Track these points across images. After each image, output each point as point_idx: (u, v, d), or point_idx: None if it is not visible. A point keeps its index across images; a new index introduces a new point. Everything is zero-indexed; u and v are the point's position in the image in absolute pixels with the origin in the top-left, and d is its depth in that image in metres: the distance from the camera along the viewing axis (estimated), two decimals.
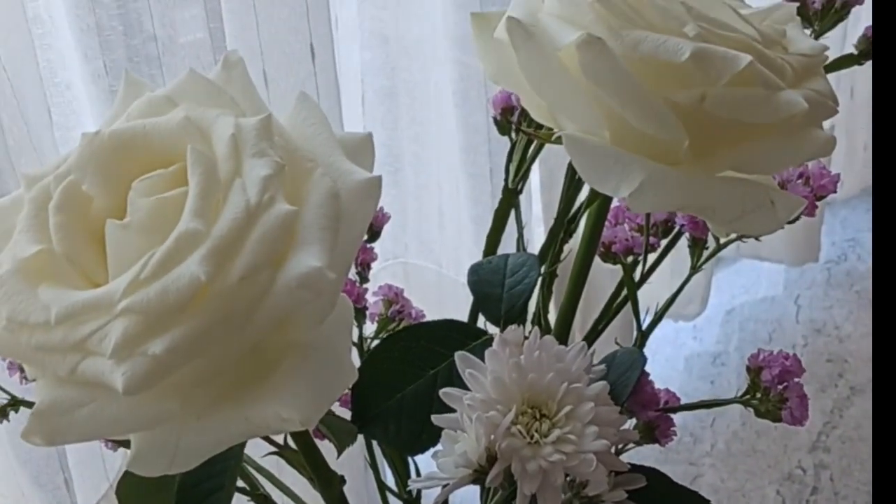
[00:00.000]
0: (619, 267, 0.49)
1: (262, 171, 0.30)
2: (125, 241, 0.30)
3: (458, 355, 0.39)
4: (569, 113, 0.34)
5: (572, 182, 0.50)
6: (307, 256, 0.29)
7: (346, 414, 0.44)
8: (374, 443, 0.53)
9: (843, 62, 0.47)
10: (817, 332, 1.40)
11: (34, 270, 0.31)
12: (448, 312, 0.46)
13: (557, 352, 0.39)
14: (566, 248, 0.52)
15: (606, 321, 0.51)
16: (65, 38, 0.72)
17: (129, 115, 0.33)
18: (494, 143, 0.93)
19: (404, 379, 0.42)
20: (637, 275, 0.48)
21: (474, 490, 0.41)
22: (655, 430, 0.44)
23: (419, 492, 0.51)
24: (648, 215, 0.45)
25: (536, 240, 0.99)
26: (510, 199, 0.51)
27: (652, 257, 0.48)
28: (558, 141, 0.34)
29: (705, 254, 0.47)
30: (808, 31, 0.47)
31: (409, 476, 0.51)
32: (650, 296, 0.50)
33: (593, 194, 0.39)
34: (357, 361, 0.48)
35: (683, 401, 0.46)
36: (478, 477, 0.37)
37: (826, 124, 0.37)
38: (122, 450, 0.56)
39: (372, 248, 0.52)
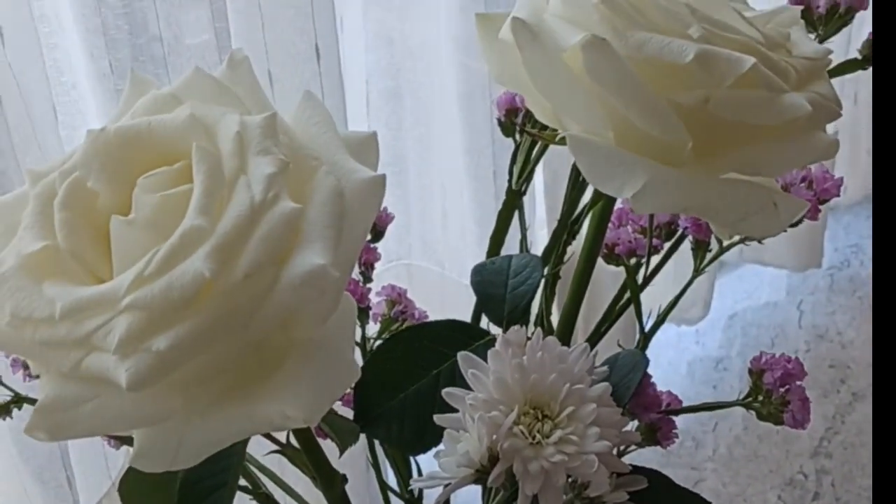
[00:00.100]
0: (622, 269, 0.50)
1: (266, 168, 0.30)
2: (130, 237, 0.30)
3: (461, 355, 0.39)
4: (573, 114, 0.34)
5: (576, 184, 0.51)
6: (311, 254, 0.29)
7: (349, 413, 0.44)
8: (376, 442, 0.53)
9: (847, 67, 0.47)
10: (820, 338, 1.40)
11: (39, 266, 0.31)
12: (451, 314, 0.46)
13: (560, 353, 0.39)
14: (569, 250, 0.52)
15: (609, 323, 0.52)
16: (71, 37, 0.72)
17: (135, 112, 0.33)
18: (498, 146, 0.93)
19: (407, 379, 0.42)
20: (640, 277, 0.48)
21: (476, 490, 0.41)
22: (657, 433, 0.44)
23: (421, 491, 0.51)
24: (652, 217, 0.46)
25: (539, 242, 0.99)
26: (514, 201, 0.51)
27: (655, 260, 0.48)
28: (562, 142, 0.34)
29: (708, 256, 0.47)
30: (812, 36, 0.47)
31: (410, 476, 0.51)
32: (653, 299, 0.50)
33: (597, 195, 0.39)
34: (360, 361, 0.48)
35: (685, 405, 0.46)
36: (479, 477, 0.37)
37: (830, 129, 0.37)
38: (124, 448, 0.57)
39: (375, 248, 0.52)
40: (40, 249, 0.31)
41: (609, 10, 0.33)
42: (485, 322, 0.47)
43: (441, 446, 0.39)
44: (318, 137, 0.33)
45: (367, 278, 0.52)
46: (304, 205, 0.30)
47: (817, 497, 1.15)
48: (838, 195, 0.44)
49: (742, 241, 0.45)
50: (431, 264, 1.05)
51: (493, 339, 0.42)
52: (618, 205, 0.45)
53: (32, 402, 0.51)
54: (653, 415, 0.44)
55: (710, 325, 1.41)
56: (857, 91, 1.48)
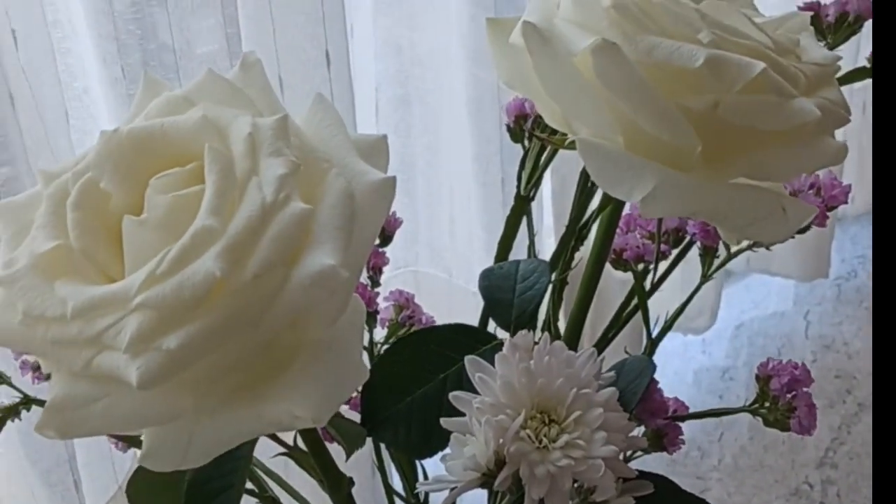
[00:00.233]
0: (629, 277, 0.50)
1: (278, 169, 0.30)
2: (142, 237, 0.31)
3: (468, 359, 0.39)
4: (583, 118, 0.34)
5: (584, 190, 0.51)
6: (321, 255, 0.29)
7: (356, 417, 0.44)
8: (382, 446, 0.53)
9: (856, 75, 0.47)
10: (826, 349, 1.39)
11: (51, 266, 0.31)
12: (458, 321, 0.46)
13: (567, 357, 0.39)
14: (577, 256, 0.52)
15: (616, 329, 0.52)
16: (83, 42, 0.72)
17: (148, 114, 0.34)
18: (507, 153, 0.93)
19: (414, 382, 0.42)
20: (647, 284, 0.48)
21: (482, 494, 0.41)
22: (664, 438, 0.44)
23: (427, 495, 0.51)
24: (660, 223, 0.46)
25: (547, 250, 0.99)
26: (522, 206, 0.52)
27: (662, 267, 0.48)
28: (572, 146, 0.35)
29: (716, 262, 0.47)
30: (821, 44, 0.47)
31: (416, 480, 0.51)
32: (660, 306, 0.50)
33: (606, 199, 0.40)
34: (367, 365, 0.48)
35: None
36: (486, 480, 0.37)
37: (839, 137, 0.37)
38: (131, 452, 0.57)
39: (384, 253, 0.52)
40: (53, 249, 0.31)
41: (619, 14, 0.33)
42: (492, 327, 0.47)
43: (447, 450, 0.39)
44: (329, 140, 0.33)
45: (375, 282, 0.52)
46: (315, 206, 0.30)
47: None
48: (846, 202, 0.44)
49: (750, 247, 0.45)
50: (439, 271, 1.05)
51: (501, 344, 0.42)
52: (626, 210, 0.45)
53: (41, 403, 0.51)
54: (659, 420, 0.44)
55: (716, 334, 1.41)
56: (865, 100, 1.48)
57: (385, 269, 0.55)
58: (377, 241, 0.52)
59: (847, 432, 1.24)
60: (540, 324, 0.49)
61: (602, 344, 0.50)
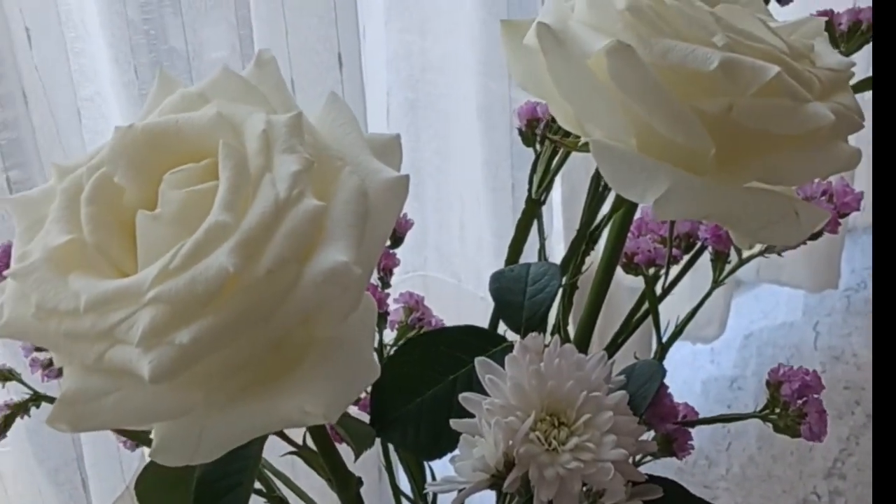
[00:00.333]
0: (638, 286, 0.50)
1: (291, 166, 0.30)
2: (155, 232, 0.31)
3: (478, 361, 0.39)
4: (596, 119, 0.34)
5: (595, 194, 0.51)
6: (334, 251, 0.29)
7: (365, 418, 0.44)
8: (391, 447, 0.53)
9: (869, 84, 0.47)
10: (835, 360, 1.39)
11: (64, 259, 0.31)
12: None
13: (577, 360, 0.39)
14: (587, 260, 0.52)
15: (626, 335, 0.52)
16: (97, 42, 0.73)
17: (162, 110, 0.34)
18: (517, 158, 0.93)
19: (424, 383, 0.42)
20: (658, 289, 0.48)
21: (490, 497, 0.41)
22: (673, 444, 0.44)
23: (435, 496, 0.51)
24: (672, 227, 0.46)
25: (556, 257, 0.99)
26: (533, 210, 0.52)
27: (673, 272, 0.48)
28: (585, 148, 0.35)
29: (727, 268, 0.47)
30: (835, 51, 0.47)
31: (424, 481, 0.51)
32: (668, 314, 0.50)
33: (619, 201, 0.40)
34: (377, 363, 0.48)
35: (699, 426, 0.45)
36: (495, 482, 0.37)
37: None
38: (139, 451, 0.57)
39: (394, 254, 0.52)
40: (66, 243, 0.31)
41: (634, 17, 0.33)
42: (501, 329, 0.47)
43: (456, 451, 0.39)
44: (343, 138, 0.33)
45: (386, 283, 0.52)
46: (328, 203, 0.30)
47: None
48: (858, 209, 0.44)
49: (761, 252, 0.45)
50: (447, 276, 1.05)
51: (511, 346, 0.42)
52: (637, 215, 0.45)
53: (51, 400, 0.51)
54: (669, 425, 0.44)
55: (725, 344, 1.41)
56: None
57: (394, 272, 0.55)
58: (388, 243, 0.52)
59: (856, 443, 1.23)
60: (550, 328, 0.49)
61: (612, 349, 0.50)
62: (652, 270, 0.46)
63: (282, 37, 0.74)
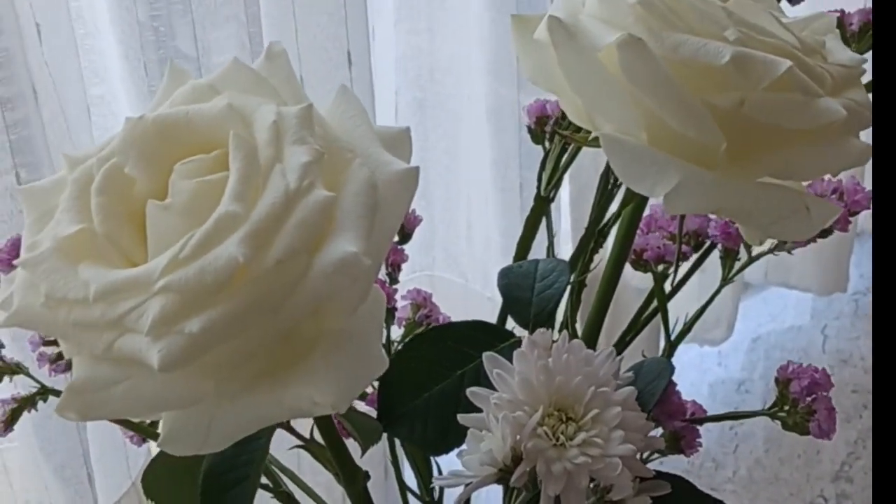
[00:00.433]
0: (646, 287, 0.49)
1: (302, 157, 0.30)
2: (165, 222, 0.31)
3: (486, 356, 0.39)
4: (606, 113, 0.34)
5: (604, 192, 0.51)
6: (344, 242, 0.29)
7: (372, 413, 0.44)
8: (397, 443, 0.53)
9: (869, 87, 0.47)
10: (843, 363, 1.39)
11: (74, 249, 0.31)
12: None
13: (586, 356, 0.39)
14: (596, 258, 0.52)
15: (634, 333, 0.51)
16: (106, 38, 0.73)
17: (173, 101, 0.34)
18: (525, 157, 0.93)
19: (431, 378, 0.42)
20: (667, 288, 0.48)
21: (496, 492, 0.41)
22: (681, 441, 0.44)
23: (441, 492, 0.51)
24: (681, 224, 0.46)
25: (564, 256, 0.98)
26: (542, 208, 0.52)
27: (682, 271, 0.48)
28: (595, 143, 0.34)
29: (736, 266, 0.47)
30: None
31: (431, 477, 0.51)
32: (678, 313, 0.50)
33: (628, 196, 0.40)
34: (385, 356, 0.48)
35: (707, 427, 0.45)
36: (502, 476, 0.37)
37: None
38: (145, 447, 0.57)
39: (403, 250, 0.52)
40: (76, 232, 0.31)
41: (645, 11, 0.33)
42: (510, 325, 0.47)
43: (463, 447, 0.39)
44: (353, 130, 0.33)
45: (394, 279, 0.52)
46: (338, 194, 0.30)
47: None
48: (868, 207, 0.44)
49: (771, 250, 0.45)
50: (455, 276, 1.05)
51: (519, 341, 0.42)
52: (647, 212, 0.45)
53: (58, 394, 0.51)
54: (677, 423, 0.44)
55: (732, 347, 1.40)
56: None
57: (402, 271, 0.54)
58: (396, 239, 0.52)
59: (863, 447, 1.23)
60: (558, 325, 0.49)
61: (620, 347, 0.50)
62: (661, 267, 0.46)
63: (291, 35, 0.74)
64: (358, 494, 0.42)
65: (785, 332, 1.46)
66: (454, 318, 0.57)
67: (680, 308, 0.50)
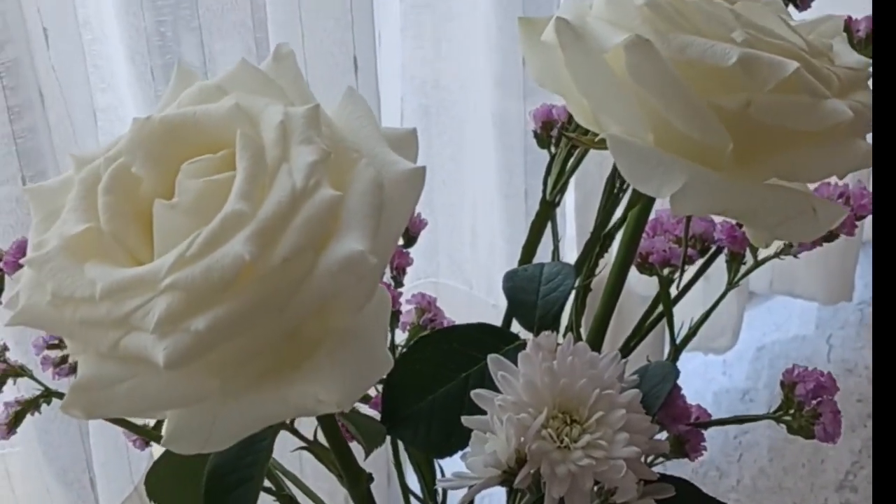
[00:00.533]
0: (650, 294, 0.49)
1: (308, 157, 0.30)
2: (172, 221, 0.31)
3: (491, 358, 0.39)
4: (613, 114, 0.34)
5: (610, 196, 0.51)
6: (350, 240, 0.29)
7: (377, 415, 0.44)
8: (400, 446, 0.53)
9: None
10: (848, 372, 1.38)
11: (81, 248, 0.31)
12: None
13: (591, 358, 0.39)
14: (601, 263, 0.52)
15: (639, 338, 0.51)
16: (113, 43, 0.73)
17: (181, 102, 0.34)
18: (530, 164, 0.93)
19: (436, 381, 0.42)
20: (672, 292, 0.48)
21: (500, 494, 0.41)
22: (686, 445, 0.44)
23: (445, 495, 0.51)
24: (687, 227, 0.45)
25: (569, 262, 0.98)
26: (547, 212, 0.52)
27: (688, 276, 0.48)
28: (601, 144, 0.34)
29: (742, 269, 0.46)
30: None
31: (434, 480, 0.51)
32: (683, 319, 0.49)
33: (635, 198, 0.40)
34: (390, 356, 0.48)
35: (711, 436, 0.45)
36: (506, 478, 0.37)
37: None
38: (147, 451, 0.57)
39: (408, 253, 0.52)
40: (83, 231, 0.31)
41: (653, 12, 0.33)
42: (515, 329, 0.47)
43: (467, 449, 0.39)
44: (360, 131, 0.33)
45: (399, 282, 0.52)
46: (344, 194, 0.30)
47: None
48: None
49: (777, 254, 0.45)
50: (459, 283, 1.05)
51: (523, 344, 0.42)
52: (652, 215, 0.45)
53: (61, 396, 0.51)
54: (681, 426, 0.44)
55: (737, 356, 1.40)
56: None
57: (405, 279, 0.54)
58: (401, 242, 0.52)
59: (867, 456, 1.23)
60: (562, 330, 0.49)
61: (624, 353, 0.50)
62: (667, 271, 0.46)
63: (298, 40, 0.74)
64: (361, 496, 0.42)
65: (790, 342, 1.46)
66: None
67: (685, 315, 0.50)
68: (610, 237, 0.49)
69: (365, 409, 0.49)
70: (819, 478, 1.20)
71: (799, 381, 0.42)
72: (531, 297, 0.45)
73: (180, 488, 0.42)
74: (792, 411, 0.42)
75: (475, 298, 1.05)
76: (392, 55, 0.91)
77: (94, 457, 0.79)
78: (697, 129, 0.32)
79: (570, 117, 0.50)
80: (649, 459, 0.45)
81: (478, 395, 0.38)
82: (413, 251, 0.54)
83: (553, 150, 0.52)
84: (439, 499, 0.51)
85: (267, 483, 0.50)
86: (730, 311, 1.26)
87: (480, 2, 0.88)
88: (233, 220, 0.29)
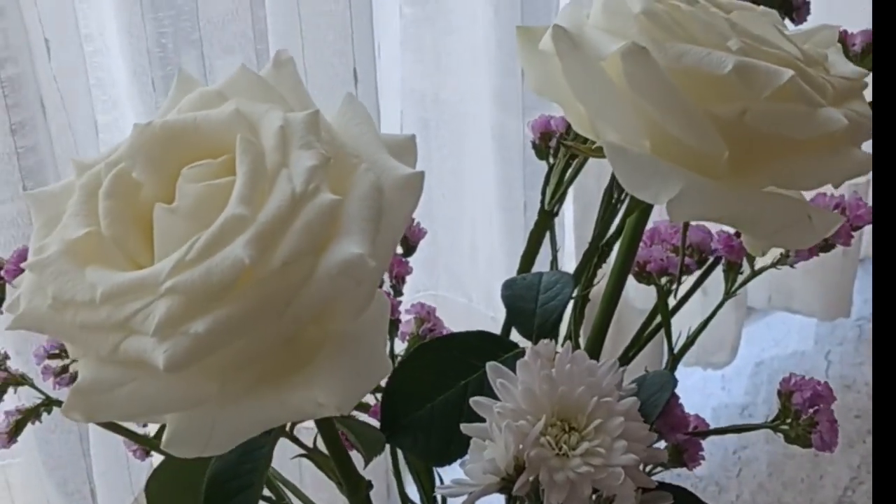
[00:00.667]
0: (647, 307, 0.50)
1: (308, 161, 0.30)
2: (172, 225, 0.31)
3: (490, 365, 0.39)
4: (610, 122, 0.34)
5: (608, 207, 0.51)
6: (349, 244, 0.29)
7: (375, 424, 0.44)
8: (400, 454, 0.53)
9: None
10: (847, 388, 1.38)
11: (81, 252, 0.31)
12: None
13: (589, 366, 0.39)
14: (599, 273, 0.52)
15: (637, 349, 0.51)
16: (114, 54, 0.74)
17: (181, 108, 0.34)
18: (530, 177, 0.93)
19: (435, 389, 0.42)
20: (670, 304, 0.48)
21: (499, 502, 0.41)
22: (684, 454, 0.44)
23: (444, 501, 0.51)
24: (684, 236, 0.46)
25: None
26: (546, 222, 0.52)
27: (685, 287, 0.48)
28: (599, 152, 0.35)
29: (740, 279, 0.47)
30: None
31: (433, 489, 0.51)
32: (681, 334, 0.50)
33: (632, 205, 0.40)
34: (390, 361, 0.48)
35: (710, 451, 0.45)
36: (505, 485, 0.37)
37: None
38: (147, 461, 0.57)
39: (407, 262, 0.52)
40: (84, 236, 0.32)
41: (649, 21, 0.33)
42: (513, 338, 0.47)
43: (466, 457, 0.39)
44: (359, 137, 0.33)
45: (398, 291, 0.52)
46: (344, 198, 0.31)
47: None
48: (870, 222, 0.44)
49: (774, 264, 0.45)
50: (459, 296, 1.05)
51: (522, 352, 0.42)
52: (650, 225, 0.45)
53: (62, 405, 0.51)
54: (679, 435, 0.44)
55: (736, 371, 1.40)
56: None
57: (405, 292, 0.54)
58: (401, 251, 0.52)
59: (866, 472, 1.22)
60: (561, 339, 0.49)
61: (622, 363, 0.50)
62: (664, 280, 0.46)
63: (298, 51, 0.75)
64: (361, 503, 0.42)
65: (788, 358, 1.46)
66: None
67: (683, 328, 0.50)
68: (608, 247, 0.49)
69: (364, 417, 0.49)
70: (818, 493, 1.19)
71: (796, 389, 0.42)
72: (530, 305, 0.45)
73: (180, 495, 0.42)
74: (789, 420, 0.42)
75: (475, 311, 1.05)
76: (392, 68, 0.91)
77: (95, 467, 0.79)
78: (693, 137, 0.32)
79: (569, 127, 0.51)
80: (648, 469, 0.45)
81: (476, 402, 0.38)
82: (413, 264, 0.54)
83: (551, 160, 0.52)
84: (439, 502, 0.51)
85: (267, 492, 0.50)
86: (728, 325, 1.26)
87: (480, 16, 0.88)
88: (233, 224, 0.29)
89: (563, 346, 0.47)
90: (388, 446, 0.48)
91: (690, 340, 0.48)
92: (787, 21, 0.49)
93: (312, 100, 0.34)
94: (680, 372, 0.48)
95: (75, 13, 0.71)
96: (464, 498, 0.38)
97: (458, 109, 0.96)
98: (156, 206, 0.31)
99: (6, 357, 0.51)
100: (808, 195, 0.40)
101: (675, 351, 0.47)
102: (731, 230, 0.46)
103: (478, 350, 0.42)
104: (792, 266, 0.45)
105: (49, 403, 0.52)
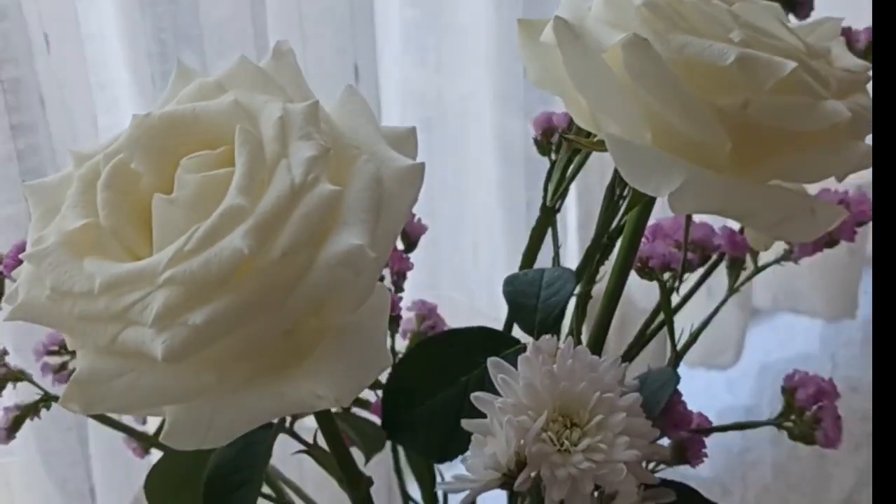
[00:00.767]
0: (650, 306, 0.49)
1: (307, 152, 0.30)
2: (171, 216, 0.31)
3: (491, 361, 0.39)
4: (611, 114, 0.34)
5: (610, 204, 0.51)
6: (349, 235, 0.29)
7: (376, 421, 0.44)
8: (400, 451, 0.53)
9: None
10: (852, 390, 1.38)
11: (80, 243, 0.31)
12: None
13: (591, 362, 0.39)
14: (601, 270, 0.52)
15: (640, 346, 0.51)
16: (114, 48, 0.73)
17: (180, 99, 0.34)
18: (532, 177, 0.93)
19: (436, 385, 0.42)
20: (674, 301, 0.48)
21: (500, 498, 0.41)
22: (686, 451, 0.44)
23: (446, 498, 0.50)
24: (687, 231, 0.45)
25: None
26: (548, 218, 0.52)
27: (687, 286, 0.48)
28: (601, 146, 0.34)
29: (743, 276, 0.46)
30: None
31: (433, 486, 0.50)
32: (683, 335, 0.49)
33: (635, 198, 0.40)
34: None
35: (715, 453, 0.45)
36: (506, 481, 0.37)
37: None
38: (147, 459, 0.57)
39: (408, 258, 0.52)
40: (82, 227, 0.31)
41: (651, 13, 0.33)
42: (515, 334, 0.47)
43: (467, 453, 0.39)
44: (359, 128, 0.33)
45: (399, 287, 0.52)
46: (343, 190, 0.30)
47: None
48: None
49: (777, 261, 0.45)
50: (460, 295, 1.05)
51: (523, 348, 0.42)
52: (651, 220, 0.45)
53: None
54: (682, 433, 0.43)
55: (741, 373, 1.40)
56: None
57: (406, 291, 0.54)
58: (401, 247, 0.52)
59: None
60: (563, 337, 0.49)
61: (625, 360, 0.50)
62: (667, 275, 0.46)
63: (299, 48, 0.75)
64: (361, 500, 0.41)
65: (794, 360, 1.45)
66: None
67: (687, 326, 0.50)
68: (611, 243, 0.49)
69: (365, 414, 0.49)
70: (823, 496, 1.19)
71: (800, 385, 0.42)
72: (531, 300, 0.45)
73: (179, 491, 0.42)
74: (793, 417, 0.42)
75: (476, 310, 1.05)
76: (393, 68, 0.91)
77: (94, 466, 0.79)
78: (695, 129, 0.32)
79: (570, 123, 0.50)
80: (651, 467, 0.44)
81: (477, 397, 0.38)
82: (414, 264, 0.54)
83: (553, 156, 0.52)
84: (441, 498, 0.50)
85: (267, 490, 0.50)
86: (733, 326, 1.26)
87: (482, 15, 0.88)
88: (232, 215, 0.29)
89: (565, 342, 0.47)
90: (388, 443, 0.48)
91: (693, 337, 0.47)
92: (790, 17, 0.49)
93: (312, 91, 0.34)
94: (685, 374, 0.47)
95: (76, 13, 0.71)
96: (465, 494, 0.38)
97: (459, 109, 0.95)
98: (154, 197, 0.31)
99: (5, 353, 0.51)
100: (812, 191, 0.40)
101: (678, 348, 0.47)
102: (735, 226, 0.46)
103: (479, 346, 0.42)
104: (796, 262, 0.45)
105: (48, 399, 0.52)
